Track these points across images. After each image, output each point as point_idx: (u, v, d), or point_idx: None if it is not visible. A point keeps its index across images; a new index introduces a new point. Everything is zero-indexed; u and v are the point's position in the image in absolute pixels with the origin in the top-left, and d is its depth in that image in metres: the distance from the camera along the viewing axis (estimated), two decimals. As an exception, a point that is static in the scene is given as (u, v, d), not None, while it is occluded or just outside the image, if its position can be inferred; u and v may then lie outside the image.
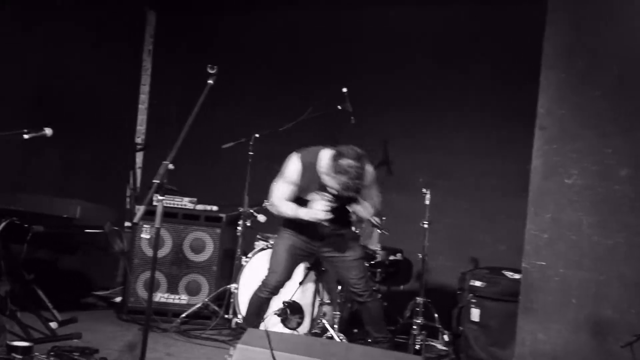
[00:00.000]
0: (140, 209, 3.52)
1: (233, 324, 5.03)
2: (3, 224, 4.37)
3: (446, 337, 5.07)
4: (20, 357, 3.71)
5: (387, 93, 5.91)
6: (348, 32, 6.07)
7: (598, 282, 3.88)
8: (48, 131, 4.25)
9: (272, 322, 4.65)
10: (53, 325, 4.50)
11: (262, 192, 5.23)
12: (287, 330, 4.66)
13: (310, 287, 4.70)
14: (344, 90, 5.18)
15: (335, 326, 4.71)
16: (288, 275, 4.22)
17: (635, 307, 3.70)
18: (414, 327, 4.77)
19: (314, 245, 4.20)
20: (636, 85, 3.96)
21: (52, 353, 3.90)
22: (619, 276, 3.83)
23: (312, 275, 4.70)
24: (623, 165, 3.93)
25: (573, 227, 4.02)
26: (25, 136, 4.19)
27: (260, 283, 4.18)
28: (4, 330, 3.67)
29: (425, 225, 4.82)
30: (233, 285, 5.07)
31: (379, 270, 5.01)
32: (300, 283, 4.65)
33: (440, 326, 5.10)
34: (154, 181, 3.34)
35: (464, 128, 5.59)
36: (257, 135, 5.31)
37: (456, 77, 5.62)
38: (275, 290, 4.22)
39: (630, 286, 3.81)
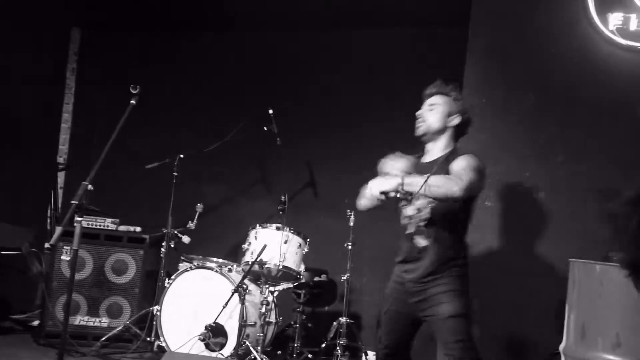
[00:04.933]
0: (58, 230, 3.48)
1: (155, 347, 4.95)
2: None
3: (370, 358, 5.04)
4: None
5: (313, 115, 5.98)
6: (276, 53, 6.13)
7: (515, 306, 4.01)
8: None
9: (195, 345, 4.57)
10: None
11: (187, 213, 5.33)
12: (210, 353, 4.59)
13: (234, 308, 4.64)
14: (270, 111, 5.24)
15: (259, 348, 4.65)
16: (396, 337, 3.29)
17: (549, 326, 3.84)
18: (338, 347, 4.81)
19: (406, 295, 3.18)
20: (550, 112, 4.14)
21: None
22: (533, 297, 3.98)
23: (236, 296, 4.64)
24: (539, 188, 4.10)
25: (492, 249, 4.16)
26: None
27: None
28: None
29: (349, 247, 4.86)
30: (155, 308, 4.98)
31: (303, 291, 5.05)
32: (224, 305, 4.56)
33: (363, 346, 5.12)
34: (73, 202, 3.32)
35: (389, 150, 5.66)
36: (181, 155, 5.30)
37: (382, 100, 5.69)
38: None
39: (547, 307, 3.94)
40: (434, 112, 3.30)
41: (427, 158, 3.34)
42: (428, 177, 2.96)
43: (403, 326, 3.27)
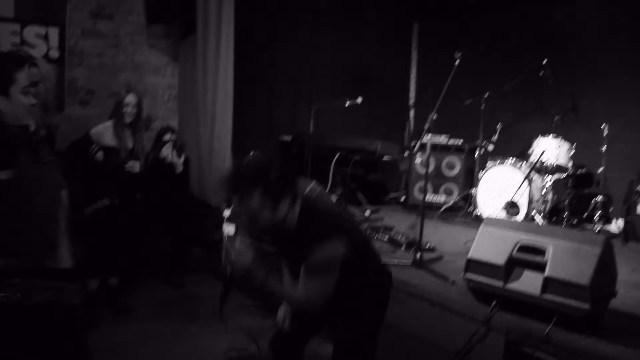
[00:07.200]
0: (415, 144, 5.04)
1: (473, 215, 6.36)
2: (337, 156, 6.08)
3: (619, 224, 6.05)
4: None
5: (580, 60, 6.58)
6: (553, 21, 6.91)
7: None
8: (359, 100, 5.76)
9: (499, 214, 5.74)
10: (367, 213, 6.20)
11: (490, 130, 6.54)
12: (509, 218, 5.58)
13: (524, 190, 5.74)
14: (545, 61, 6.12)
15: (540, 215, 5.81)
16: None
17: None
18: (595, 217, 5.91)
19: None
20: None
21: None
22: None
23: (526, 182, 5.67)
24: None
25: None
26: (346, 104, 5.74)
27: None
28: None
29: (604, 150, 5.84)
30: (473, 190, 6.41)
31: (571, 179, 5.99)
32: (518, 188, 5.65)
33: (612, 216, 6.09)
34: (425, 126, 4.55)
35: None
36: (487, 93, 6.55)
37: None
38: None
39: None
40: (251, 218, 2.55)
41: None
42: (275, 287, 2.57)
43: None
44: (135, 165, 5.55)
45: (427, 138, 4.68)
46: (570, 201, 6.06)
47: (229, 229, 5.65)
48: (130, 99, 5.57)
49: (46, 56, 6.22)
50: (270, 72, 7.17)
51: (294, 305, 2.67)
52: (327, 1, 7.49)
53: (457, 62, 4.64)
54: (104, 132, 5.54)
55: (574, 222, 6.02)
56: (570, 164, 6.06)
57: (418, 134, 4.75)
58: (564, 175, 6.12)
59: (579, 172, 6.19)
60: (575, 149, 6.06)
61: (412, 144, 7.00)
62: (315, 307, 2.56)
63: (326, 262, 2.51)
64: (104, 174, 5.34)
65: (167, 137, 5.97)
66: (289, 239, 2.62)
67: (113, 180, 5.34)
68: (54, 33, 6.24)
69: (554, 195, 6.17)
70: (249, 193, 2.47)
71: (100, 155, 5.35)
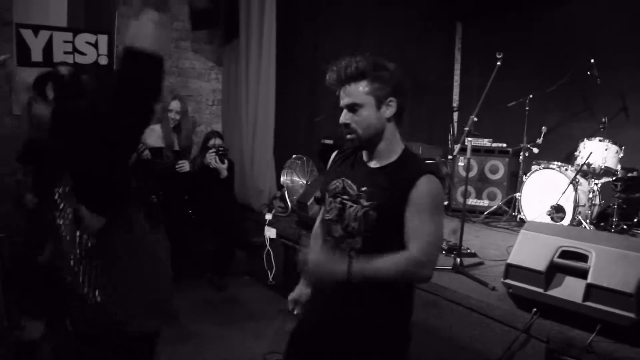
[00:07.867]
0: (456, 147, 4.55)
1: (517, 219, 6.24)
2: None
3: None
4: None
5: (626, 56, 6.39)
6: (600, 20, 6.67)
7: None
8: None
9: (543, 218, 5.52)
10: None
11: (535, 133, 6.45)
12: (554, 223, 5.35)
13: (570, 194, 5.52)
14: (592, 60, 6.02)
15: (587, 220, 5.59)
16: None
17: None
18: None
19: None
20: None
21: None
22: None
23: (571, 186, 5.49)
24: None
25: None
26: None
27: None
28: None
29: None
30: (517, 194, 6.29)
31: (619, 183, 5.79)
32: (563, 192, 5.44)
33: None
34: (465, 129, 4.48)
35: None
36: (530, 96, 6.51)
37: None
38: None
39: None
40: (360, 119, 2.32)
41: (374, 162, 2.38)
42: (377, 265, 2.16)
43: None
44: (185, 165, 5.85)
45: (468, 141, 4.55)
46: (619, 206, 5.86)
47: (271, 231, 5.79)
48: (175, 104, 5.80)
49: (96, 62, 6.48)
50: (310, 75, 7.19)
51: (408, 270, 2.16)
52: (368, 2, 7.57)
53: (498, 64, 4.55)
54: (150, 133, 5.85)
55: (623, 228, 5.79)
56: (619, 167, 5.92)
57: (462, 137, 4.46)
58: (613, 178, 5.95)
59: (628, 175, 5.97)
60: (625, 151, 5.91)
61: (455, 147, 6.79)
62: (434, 259, 2.23)
63: (434, 199, 2.21)
64: (153, 173, 5.55)
65: (212, 141, 6.22)
66: (379, 169, 2.35)
67: (161, 180, 5.52)
68: (103, 40, 6.48)
69: (601, 199, 6.01)
70: (358, 80, 2.32)
71: (147, 154, 5.56)
